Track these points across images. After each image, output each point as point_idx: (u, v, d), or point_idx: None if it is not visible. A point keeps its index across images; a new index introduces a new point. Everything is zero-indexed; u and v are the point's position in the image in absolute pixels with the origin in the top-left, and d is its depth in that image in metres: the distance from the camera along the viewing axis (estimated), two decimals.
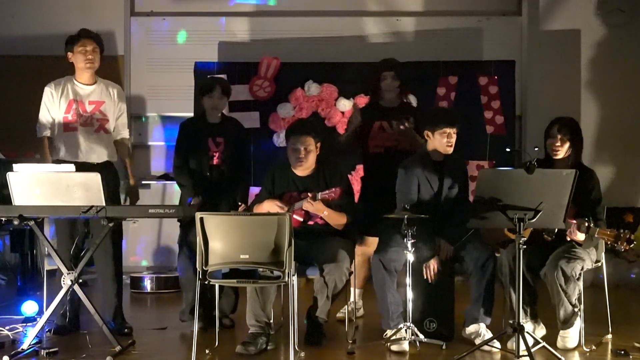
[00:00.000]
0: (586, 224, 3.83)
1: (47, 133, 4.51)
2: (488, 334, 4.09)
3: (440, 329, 4.19)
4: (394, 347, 4.01)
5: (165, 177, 6.78)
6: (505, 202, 3.65)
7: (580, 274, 3.99)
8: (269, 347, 4.07)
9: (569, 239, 3.94)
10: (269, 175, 4.48)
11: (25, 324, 4.52)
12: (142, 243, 6.85)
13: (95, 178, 3.84)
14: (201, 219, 3.71)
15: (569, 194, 3.63)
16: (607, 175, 6.51)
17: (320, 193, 4.17)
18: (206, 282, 3.78)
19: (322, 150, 4.45)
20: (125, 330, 4.44)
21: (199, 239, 3.73)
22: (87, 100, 4.53)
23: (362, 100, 6.40)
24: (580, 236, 3.89)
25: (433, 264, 4.16)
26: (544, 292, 4.11)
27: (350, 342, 4.19)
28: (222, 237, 3.72)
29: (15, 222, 3.99)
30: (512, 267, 3.93)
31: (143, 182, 6.83)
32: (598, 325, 4.25)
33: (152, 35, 6.86)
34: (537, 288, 4.18)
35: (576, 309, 4.01)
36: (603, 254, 4.21)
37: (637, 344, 4.06)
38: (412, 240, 3.95)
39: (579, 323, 4.04)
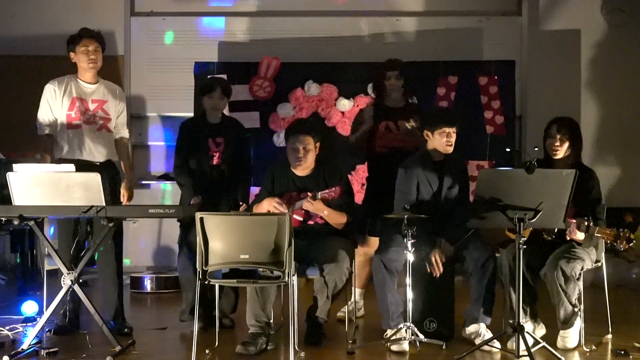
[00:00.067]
0: (586, 223, 3.84)
1: (48, 131, 4.51)
2: (488, 334, 4.09)
3: (440, 329, 4.19)
4: (394, 347, 4.01)
5: (165, 177, 6.79)
6: (505, 202, 3.65)
7: (580, 274, 3.99)
8: (269, 347, 4.07)
9: (568, 238, 3.94)
10: (268, 175, 4.48)
11: (25, 324, 4.52)
12: (142, 243, 6.84)
13: (95, 178, 3.84)
14: (201, 219, 3.71)
15: (569, 194, 3.63)
16: (607, 175, 6.51)
17: (320, 192, 4.18)
18: (206, 282, 3.78)
19: (322, 150, 4.45)
20: (125, 330, 4.44)
21: (199, 239, 3.73)
22: (90, 98, 4.54)
23: (363, 100, 6.42)
24: (580, 235, 3.89)
25: (435, 256, 4.14)
26: (544, 292, 4.11)
27: (350, 342, 4.19)
28: (222, 237, 3.72)
29: (15, 222, 3.99)
30: (512, 267, 3.93)
31: (143, 182, 6.84)
32: (598, 325, 4.25)
33: (152, 35, 6.86)
34: (537, 288, 4.18)
35: (576, 309, 4.01)
36: (603, 254, 4.20)
37: (637, 344, 4.06)
38: (412, 240, 3.95)
39: (579, 323, 4.04)
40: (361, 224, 4.79)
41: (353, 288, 4.62)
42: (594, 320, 4.21)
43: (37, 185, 3.85)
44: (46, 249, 4.27)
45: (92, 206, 3.81)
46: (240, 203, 4.67)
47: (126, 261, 4.65)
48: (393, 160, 4.62)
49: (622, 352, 3.92)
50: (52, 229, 5.22)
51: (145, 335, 4.47)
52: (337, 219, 4.30)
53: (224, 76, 6.20)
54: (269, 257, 3.69)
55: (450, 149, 4.32)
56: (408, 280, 3.99)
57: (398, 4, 6.92)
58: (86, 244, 4.44)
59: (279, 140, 6.30)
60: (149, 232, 6.85)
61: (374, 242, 4.60)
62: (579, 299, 4.02)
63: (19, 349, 3.90)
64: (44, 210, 3.90)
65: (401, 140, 4.82)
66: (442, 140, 4.28)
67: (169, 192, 6.78)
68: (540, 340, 3.80)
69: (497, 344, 3.95)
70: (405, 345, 4.00)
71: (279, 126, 6.40)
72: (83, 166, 4.31)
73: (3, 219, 4.53)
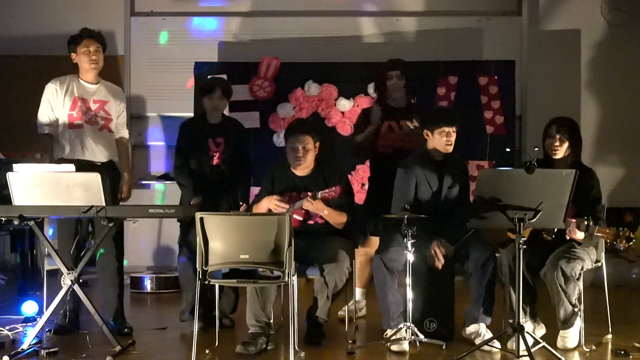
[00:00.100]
0: (585, 223, 3.84)
1: (47, 130, 4.51)
2: (488, 334, 4.08)
3: (440, 329, 4.19)
4: (394, 347, 4.01)
5: (165, 177, 6.79)
6: (505, 202, 3.65)
7: (580, 274, 3.99)
8: (269, 347, 4.07)
9: (568, 237, 3.94)
10: (268, 175, 4.48)
11: (25, 324, 4.52)
12: (142, 243, 6.84)
13: (95, 178, 3.83)
14: (201, 219, 3.71)
15: (569, 194, 3.63)
16: (607, 175, 6.50)
17: (320, 192, 4.17)
18: (206, 282, 3.78)
19: (322, 150, 4.45)
20: (125, 330, 4.44)
21: (199, 239, 3.73)
22: (91, 98, 4.54)
23: (363, 100, 6.42)
24: (580, 235, 3.89)
25: (435, 248, 4.14)
26: (544, 292, 4.11)
27: (350, 342, 4.19)
28: (222, 237, 3.72)
29: (15, 222, 4.00)
30: (512, 267, 3.93)
31: (143, 182, 6.84)
32: (598, 325, 4.25)
33: (152, 35, 6.86)
34: (537, 288, 4.18)
35: (576, 309, 4.01)
36: (603, 254, 4.21)
37: (637, 344, 4.06)
38: (412, 240, 3.95)
39: (579, 323, 4.04)
40: (362, 224, 4.79)
41: (354, 287, 4.61)
42: (594, 320, 4.21)
43: (37, 185, 3.85)
44: (46, 249, 4.27)
45: (92, 206, 3.81)
46: (241, 203, 4.67)
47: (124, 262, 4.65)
48: (395, 160, 4.61)
49: (622, 352, 3.92)
50: (51, 230, 5.22)
51: (145, 335, 4.47)
52: (337, 218, 4.30)
53: (224, 76, 6.20)
54: (269, 257, 3.69)
55: (450, 149, 4.32)
56: (408, 280, 3.99)
57: (398, 4, 6.92)
58: (87, 244, 4.44)
59: (279, 140, 6.30)
60: (149, 232, 6.85)
61: (376, 242, 4.59)
62: (579, 299, 4.02)
63: (19, 349, 3.90)
64: (44, 210, 3.89)
65: (403, 140, 4.82)
66: (442, 140, 4.28)
67: (169, 192, 6.78)
68: (540, 340, 3.80)
69: (497, 344, 3.95)
70: (405, 345, 4.00)
71: (279, 126, 6.40)
72: (85, 166, 4.31)
73: (3, 219, 4.54)
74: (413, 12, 6.89)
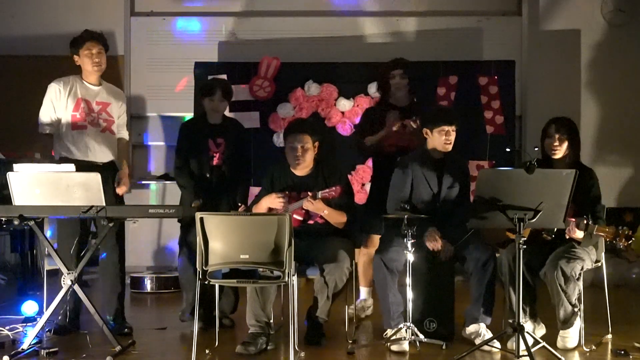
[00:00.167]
0: (585, 222, 3.84)
1: (49, 130, 4.51)
2: (488, 334, 4.08)
3: (440, 329, 4.19)
4: (394, 347, 4.01)
5: (165, 177, 6.79)
6: (505, 202, 3.65)
7: (580, 274, 3.99)
8: (269, 347, 4.07)
9: (567, 237, 3.94)
10: (267, 175, 4.48)
11: (25, 324, 4.52)
12: (142, 243, 6.84)
13: (95, 178, 3.83)
14: (201, 219, 3.71)
15: (569, 194, 3.63)
16: (607, 175, 6.48)
17: (320, 192, 4.18)
18: (206, 282, 3.78)
19: (321, 150, 4.45)
20: (125, 330, 4.43)
21: (199, 239, 3.73)
22: (94, 100, 4.54)
23: (363, 100, 6.41)
24: (579, 234, 3.89)
25: (431, 233, 4.13)
26: (544, 292, 4.11)
27: (350, 342, 4.19)
28: (222, 237, 3.72)
29: (15, 222, 3.99)
30: (512, 267, 3.93)
31: (143, 182, 6.84)
32: (598, 325, 4.25)
33: (152, 35, 6.86)
34: (537, 288, 4.18)
35: (576, 309, 4.01)
36: (603, 253, 4.20)
37: (637, 344, 4.06)
38: (412, 240, 3.95)
39: (578, 323, 4.04)
40: (365, 223, 4.78)
41: (357, 287, 4.61)
42: (594, 320, 4.21)
43: (37, 185, 3.85)
44: (46, 249, 4.27)
45: (92, 206, 3.81)
46: (239, 204, 4.67)
47: None
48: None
49: (622, 352, 3.92)
50: (49, 231, 5.22)
51: (145, 335, 4.47)
52: (338, 218, 4.30)
53: (224, 76, 6.20)
54: (269, 257, 3.69)
55: (449, 148, 4.31)
56: (408, 280, 3.99)
57: (398, 4, 6.92)
58: (88, 244, 4.44)
59: (279, 140, 6.29)
60: (149, 232, 6.85)
61: (377, 241, 4.59)
62: (578, 299, 4.02)
63: (19, 349, 3.90)
64: (44, 210, 3.89)
65: (407, 140, 4.81)
66: (441, 139, 4.28)
67: (169, 192, 6.78)
68: (540, 340, 3.80)
69: (497, 344, 3.95)
70: (405, 345, 4.00)
71: (279, 126, 6.40)
72: (87, 167, 4.31)
73: (3, 219, 4.53)
74: (413, 12, 6.89)
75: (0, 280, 5.81)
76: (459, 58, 6.55)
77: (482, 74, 6.42)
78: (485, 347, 3.95)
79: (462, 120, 4.37)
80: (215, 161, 4.70)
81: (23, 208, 3.86)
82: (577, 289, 4.00)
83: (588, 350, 4.01)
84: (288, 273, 3.70)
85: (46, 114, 4.50)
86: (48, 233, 5.18)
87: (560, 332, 4.06)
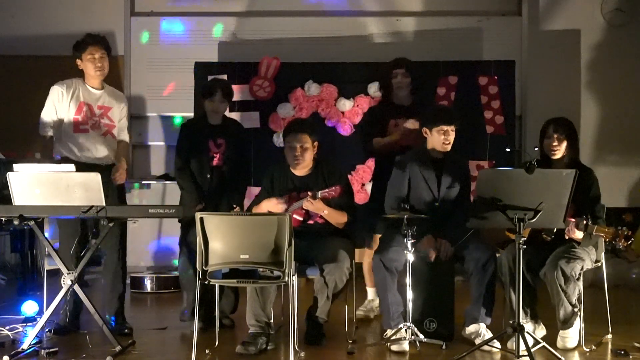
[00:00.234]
0: (584, 222, 3.84)
1: (50, 132, 4.51)
2: (488, 334, 4.08)
3: (440, 329, 4.18)
4: (394, 347, 4.01)
5: (165, 177, 6.78)
6: (505, 202, 3.65)
7: (580, 274, 3.99)
8: (269, 347, 4.07)
9: (567, 237, 3.94)
10: (267, 175, 4.48)
11: (25, 324, 4.52)
12: (142, 243, 6.84)
13: (95, 178, 3.83)
14: (201, 219, 3.71)
15: (569, 194, 3.63)
16: (607, 175, 6.47)
17: (320, 192, 4.18)
18: (206, 282, 3.78)
19: (321, 150, 4.45)
20: (126, 330, 4.43)
21: (199, 239, 3.73)
22: (96, 104, 4.55)
23: (363, 100, 6.41)
24: (579, 234, 3.89)
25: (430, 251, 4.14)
26: (544, 292, 4.11)
27: (350, 342, 4.19)
28: (222, 237, 3.72)
29: (15, 222, 3.99)
30: (512, 268, 3.93)
31: (143, 182, 6.84)
32: (598, 325, 4.25)
33: (152, 35, 6.86)
34: (537, 288, 4.18)
35: (576, 309, 4.01)
36: (603, 254, 4.20)
37: (637, 344, 4.06)
38: (412, 240, 3.95)
39: (578, 323, 4.04)
40: (368, 224, 4.76)
41: (354, 287, 4.59)
42: (593, 320, 4.21)
43: (37, 185, 3.85)
44: (46, 249, 4.27)
45: (92, 206, 3.81)
46: (234, 206, 4.66)
47: None
48: None
49: (622, 352, 3.93)
50: (50, 230, 5.22)
51: (145, 335, 4.47)
52: (338, 218, 4.30)
53: (224, 76, 6.20)
54: (269, 257, 3.69)
55: (448, 148, 4.31)
56: (408, 280, 3.99)
57: (398, 4, 6.92)
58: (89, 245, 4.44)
59: (279, 140, 6.29)
60: (149, 232, 6.85)
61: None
62: (578, 299, 4.02)
63: (19, 349, 3.90)
64: (44, 210, 3.89)
65: (410, 139, 4.79)
66: (440, 138, 4.28)
67: (169, 192, 6.78)
68: (540, 340, 3.80)
69: (497, 344, 3.95)
70: (405, 345, 4.00)
71: (279, 126, 6.40)
72: (89, 167, 4.31)
73: (3, 219, 4.53)
74: (413, 12, 6.90)
75: (0, 280, 5.81)
76: (459, 58, 6.55)
77: (482, 74, 6.42)
78: (485, 347, 3.95)
79: (462, 121, 4.37)
80: (215, 162, 4.70)
81: (23, 208, 3.86)
82: (577, 289, 4.00)
83: (588, 350, 4.01)
84: (288, 273, 3.70)
85: (48, 116, 4.50)
86: (47, 234, 5.19)
87: (560, 332, 4.06)
